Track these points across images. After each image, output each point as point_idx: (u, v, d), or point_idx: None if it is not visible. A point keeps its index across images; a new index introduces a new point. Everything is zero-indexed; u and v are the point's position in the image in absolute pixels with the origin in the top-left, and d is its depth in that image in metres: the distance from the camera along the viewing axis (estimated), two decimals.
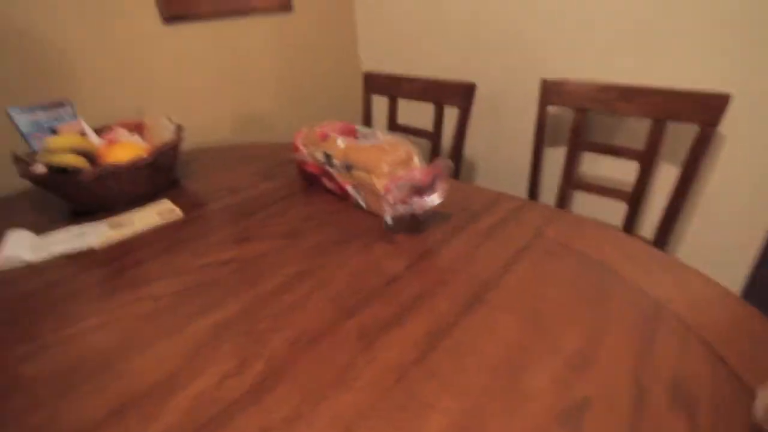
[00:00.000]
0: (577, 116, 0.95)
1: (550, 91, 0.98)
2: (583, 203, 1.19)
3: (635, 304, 0.45)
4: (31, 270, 0.57)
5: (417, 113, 1.21)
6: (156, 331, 0.44)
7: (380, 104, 1.23)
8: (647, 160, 0.90)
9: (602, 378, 0.37)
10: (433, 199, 0.56)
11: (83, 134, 0.82)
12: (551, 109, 1.09)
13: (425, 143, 1.17)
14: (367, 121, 1.23)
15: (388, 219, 0.56)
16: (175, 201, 0.73)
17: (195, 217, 0.68)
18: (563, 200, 1.03)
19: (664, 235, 0.90)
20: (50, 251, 0.61)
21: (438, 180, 0.57)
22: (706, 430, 0.33)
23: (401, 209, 0.56)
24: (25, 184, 0.84)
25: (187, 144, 1.12)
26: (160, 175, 0.74)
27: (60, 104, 0.80)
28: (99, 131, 0.84)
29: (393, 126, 1.17)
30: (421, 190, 0.57)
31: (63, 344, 0.44)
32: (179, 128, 0.80)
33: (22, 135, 0.73)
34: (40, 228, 0.66)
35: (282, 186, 0.77)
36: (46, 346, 0.44)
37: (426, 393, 0.36)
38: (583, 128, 0.95)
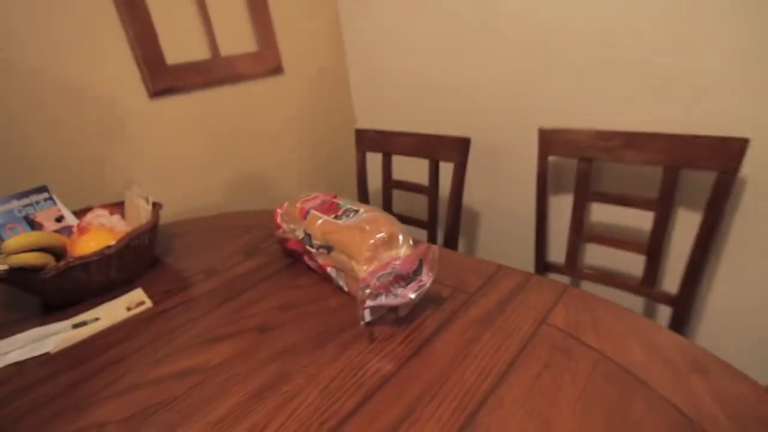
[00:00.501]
0: (581, 166, 0.89)
1: (550, 141, 0.92)
2: (597, 255, 1.10)
3: (666, 424, 0.36)
4: None
5: (414, 168, 1.16)
6: None
7: (376, 160, 1.19)
8: (662, 209, 0.82)
9: None
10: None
11: (60, 218, 0.79)
12: (553, 159, 1.04)
13: (423, 199, 1.11)
14: (362, 177, 1.18)
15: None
16: (149, 286, 0.69)
17: (165, 309, 0.63)
18: (574, 255, 0.95)
19: (689, 288, 0.81)
20: (5, 360, 0.55)
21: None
22: None
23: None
24: None
25: (178, 213, 1.08)
26: (133, 260, 0.70)
27: (36, 190, 0.78)
28: (79, 213, 0.81)
29: (388, 182, 1.12)
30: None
31: None
32: (156, 208, 0.76)
33: None
34: (6, 327, 0.62)
35: (264, 264, 0.72)
36: None
37: None
38: (589, 177, 0.89)
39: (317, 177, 1.44)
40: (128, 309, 0.63)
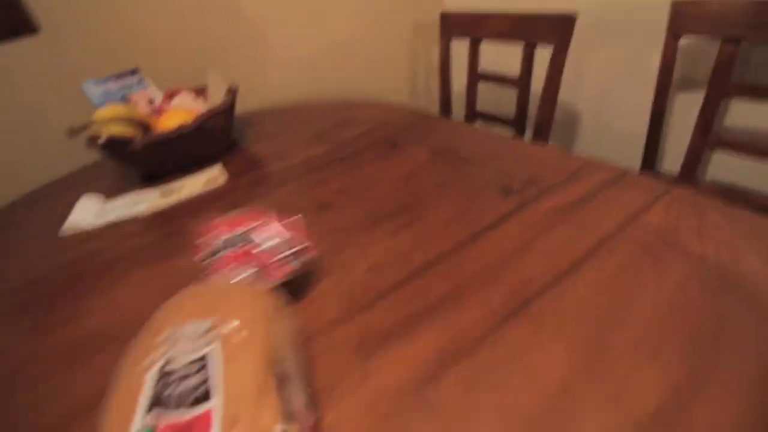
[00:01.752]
0: (725, 48, 0.69)
1: (685, 15, 0.73)
2: (724, 165, 0.91)
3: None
4: (85, 237, 0.59)
5: (503, 60, 1.02)
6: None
7: (461, 49, 1.06)
8: None
9: None
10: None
11: (152, 101, 0.84)
12: (685, 42, 0.83)
13: (512, 94, 0.99)
14: (446, 71, 1.08)
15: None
16: (226, 165, 0.72)
17: (239, 185, 0.66)
18: (694, 163, 0.79)
19: None
20: (107, 218, 0.63)
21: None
22: None
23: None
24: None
25: (260, 103, 1.10)
26: (211, 139, 0.73)
27: (130, 72, 0.82)
28: (168, 95, 0.85)
29: (473, 75, 1.01)
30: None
31: (97, 311, 0.44)
32: (232, 91, 0.77)
33: (96, 106, 0.77)
34: (114, 191, 0.70)
35: (331, 150, 0.70)
36: (83, 313, 0.44)
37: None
38: (732, 64, 0.70)
39: (396, 66, 1.36)
40: (207, 182, 0.67)
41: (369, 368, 0.32)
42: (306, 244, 0.39)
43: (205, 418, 0.21)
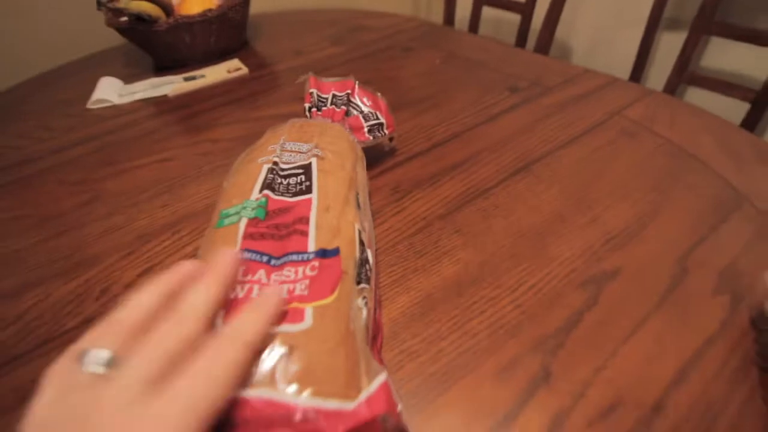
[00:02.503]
0: None
1: None
2: (695, 101, 1.00)
3: (712, 193, 0.39)
4: (116, 110, 0.63)
5: None
6: (211, 167, 0.48)
7: None
8: None
9: (641, 254, 0.34)
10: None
11: None
12: None
13: (511, 24, 1.03)
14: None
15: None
16: (243, 60, 0.75)
17: (260, 75, 0.69)
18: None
19: None
20: (132, 97, 0.66)
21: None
22: (743, 324, 0.29)
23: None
24: (119, 40, 0.90)
25: (262, 7, 1.10)
26: (229, 31, 0.75)
27: None
28: None
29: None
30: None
31: (139, 169, 0.50)
32: None
33: None
34: (127, 78, 0.72)
35: (347, 51, 0.74)
36: (125, 170, 0.50)
37: (446, 243, 0.36)
38: (717, 7, 0.77)
39: None
40: (228, 72, 0.70)
41: (404, 203, 0.41)
42: (387, 121, 0.43)
43: (306, 203, 0.28)
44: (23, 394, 0.29)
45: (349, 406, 0.18)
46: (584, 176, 0.42)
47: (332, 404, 0.18)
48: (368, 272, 0.26)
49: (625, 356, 0.28)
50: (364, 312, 0.23)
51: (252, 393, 0.17)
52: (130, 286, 0.36)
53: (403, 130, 0.50)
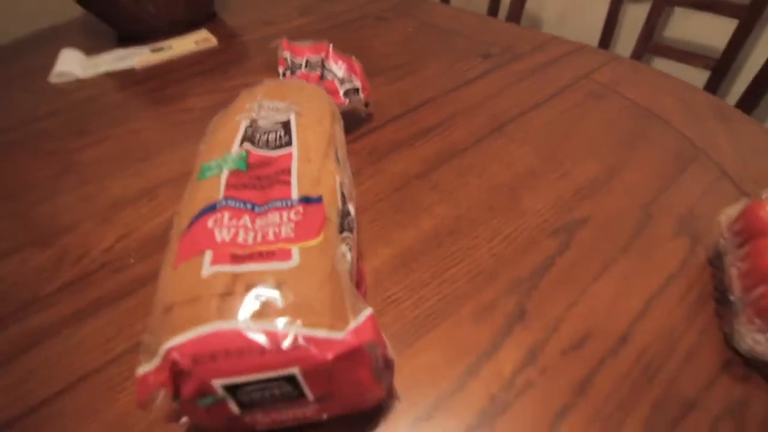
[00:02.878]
0: None
1: None
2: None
3: (672, 147, 0.41)
4: (80, 84, 0.61)
5: None
6: (185, 136, 0.48)
7: None
8: (748, 18, 0.75)
9: (609, 203, 0.36)
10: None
11: None
12: None
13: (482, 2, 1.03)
14: None
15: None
16: (211, 31, 0.73)
17: (229, 46, 0.68)
18: None
19: (748, 105, 0.79)
20: (97, 70, 0.64)
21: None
22: (701, 262, 0.32)
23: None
24: (78, 11, 0.86)
25: None
26: (195, 2, 0.73)
27: None
28: None
29: None
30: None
31: (110, 140, 0.48)
32: None
33: None
34: (89, 50, 0.69)
35: (317, 20, 0.73)
36: (96, 141, 0.48)
37: (423, 200, 0.37)
38: None
39: None
40: (196, 43, 0.68)
41: (381, 166, 0.41)
42: (363, 85, 0.44)
43: (287, 156, 0.28)
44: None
45: (337, 335, 0.19)
46: (554, 136, 0.43)
47: (321, 333, 0.19)
48: (350, 223, 0.27)
49: (595, 294, 0.30)
50: (348, 257, 0.24)
51: (242, 324, 0.18)
52: (107, 251, 0.36)
53: (377, 96, 0.50)
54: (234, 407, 0.19)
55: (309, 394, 0.19)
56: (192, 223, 0.23)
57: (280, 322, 0.18)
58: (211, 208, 0.23)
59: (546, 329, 0.28)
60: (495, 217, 0.35)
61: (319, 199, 0.25)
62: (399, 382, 0.26)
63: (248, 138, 0.28)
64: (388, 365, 0.22)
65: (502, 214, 0.36)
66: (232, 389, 0.18)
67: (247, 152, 0.27)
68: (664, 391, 0.25)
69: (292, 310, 0.19)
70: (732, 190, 0.36)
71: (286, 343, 0.18)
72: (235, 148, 0.28)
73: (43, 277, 0.34)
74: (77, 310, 0.32)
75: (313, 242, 0.22)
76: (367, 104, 0.45)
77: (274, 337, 0.18)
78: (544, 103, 0.48)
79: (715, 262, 0.31)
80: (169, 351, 0.18)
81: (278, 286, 0.19)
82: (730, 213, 0.31)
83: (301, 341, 0.18)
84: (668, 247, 0.33)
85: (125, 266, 0.35)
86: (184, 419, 0.21)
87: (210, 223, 0.22)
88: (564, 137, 0.43)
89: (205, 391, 0.18)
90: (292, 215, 0.23)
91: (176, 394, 0.18)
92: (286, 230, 0.22)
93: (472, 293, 0.31)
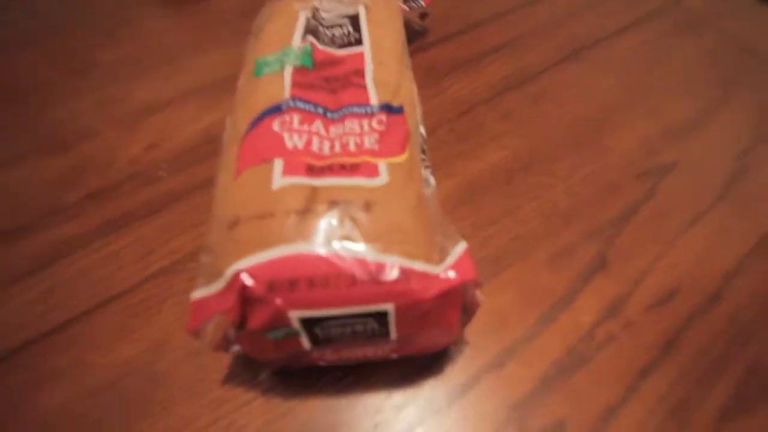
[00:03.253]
0: None
1: None
2: None
3: None
4: None
5: None
6: (213, 39, 0.42)
7: None
8: None
9: (700, 148, 0.32)
10: None
11: None
12: None
13: None
14: None
15: None
16: None
17: None
18: None
19: None
20: None
21: None
22: None
23: None
24: None
25: None
26: None
27: None
28: None
29: None
30: None
31: (126, 41, 0.43)
32: None
33: None
34: None
35: None
36: (122, 38, 0.43)
37: (491, 128, 0.33)
38: None
39: None
40: None
41: (442, 87, 0.36)
42: None
43: (358, 56, 0.23)
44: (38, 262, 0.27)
45: (436, 270, 0.16)
46: (641, 67, 0.38)
47: (419, 266, 0.15)
48: (424, 145, 0.23)
49: (684, 247, 0.27)
50: (432, 182, 0.20)
51: (329, 248, 0.15)
52: (135, 161, 0.32)
53: (435, 8, 0.44)
54: (306, 342, 0.17)
55: (393, 334, 0.17)
56: (253, 125, 0.19)
57: (375, 250, 0.15)
58: (276, 110, 0.19)
59: (629, 281, 0.25)
60: (573, 153, 0.31)
61: (401, 110, 0.20)
62: (468, 325, 0.23)
63: (311, 31, 0.24)
64: (473, 308, 0.19)
65: (582, 150, 0.31)
66: (309, 323, 0.15)
67: (312, 47, 0.22)
68: (758, 356, 0.23)
69: (386, 236, 0.16)
70: None
71: (384, 275, 0.15)
72: (297, 41, 0.23)
73: (64, 186, 0.30)
74: (105, 222, 0.29)
75: (398, 159, 0.18)
76: (425, 14, 0.39)
77: (368, 267, 0.15)
78: (628, 29, 0.41)
79: None
80: (237, 274, 0.15)
81: (367, 206, 0.16)
82: None
83: (399, 274, 0.15)
84: (765, 202, 0.29)
85: (155, 179, 0.31)
86: (236, 348, 0.18)
87: (276, 126, 0.18)
88: (652, 70, 0.37)
89: (278, 323, 0.15)
90: (375, 124, 0.19)
91: (242, 323, 0.16)
92: (370, 141, 0.18)
93: (547, 235, 0.27)
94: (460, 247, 0.17)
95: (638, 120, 0.33)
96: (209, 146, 0.33)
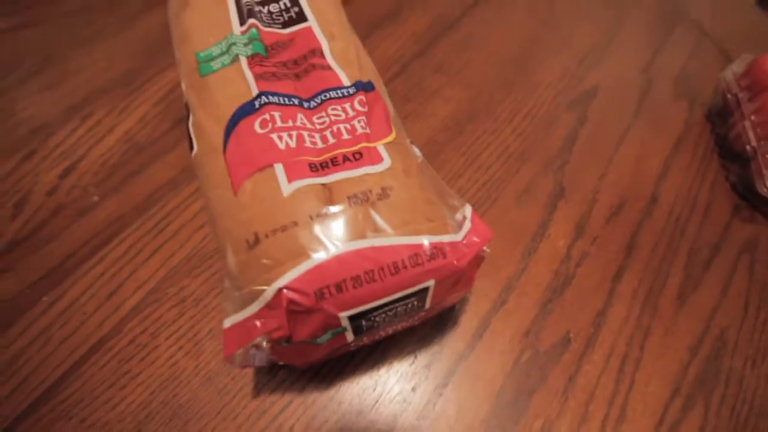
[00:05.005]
0: None
1: None
2: None
3: (658, 9, 0.40)
4: None
5: None
6: (95, 30, 0.36)
7: None
8: None
9: (612, 70, 0.35)
10: None
11: None
12: None
13: None
14: None
15: None
16: None
17: None
18: None
19: None
20: None
21: None
22: (701, 120, 0.33)
23: None
24: None
25: None
26: None
27: None
28: None
29: None
30: None
31: None
32: None
33: None
34: None
35: None
36: None
37: (431, 84, 0.33)
38: None
39: None
40: None
41: (371, 45, 0.35)
42: None
43: (308, 34, 0.21)
44: None
45: (459, 237, 0.17)
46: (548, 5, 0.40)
47: (447, 238, 0.16)
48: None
49: (620, 162, 0.31)
50: (417, 151, 0.20)
51: (364, 244, 0.15)
52: (54, 192, 0.28)
53: None
54: (350, 335, 0.17)
55: (428, 304, 0.18)
56: (230, 131, 0.17)
57: (405, 233, 0.15)
58: (249, 109, 0.18)
59: (586, 202, 0.29)
60: (510, 94, 0.33)
61: (372, 86, 0.20)
62: None
63: (248, 12, 0.21)
64: (480, 262, 0.20)
65: (516, 90, 0.33)
66: (356, 317, 0.16)
67: (258, 30, 0.21)
68: (694, 240, 0.28)
69: (410, 218, 0.16)
70: (713, 50, 0.38)
71: (421, 256, 0.15)
72: (237, 27, 0.21)
73: None
74: (47, 271, 0.25)
75: (390, 138, 0.18)
76: None
77: (405, 252, 0.15)
78: None
79: (716, 118, 0.33)
80: (279, 291, 0.14)
81: (383, 192, 0.16)
82: (735, 69, 0.32)
83: (434, 251, 0.15)
84: (671, 109, 0.34)
85: (89, 206, 0.27)
86: (263, 361, 0.18)
87: (257, 127, 0.17)
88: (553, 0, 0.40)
89: (329, 327, 0.15)
90: (357, 106, 0.18)
91: (289, 337, 0.15)
92: (361, 125, 0.18)
93: (509, 177, 0.29)
94: (468, 210, 0.18)
95: (556, 51, 0.36)
96: (138, 155, 0.29)
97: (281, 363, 0.20)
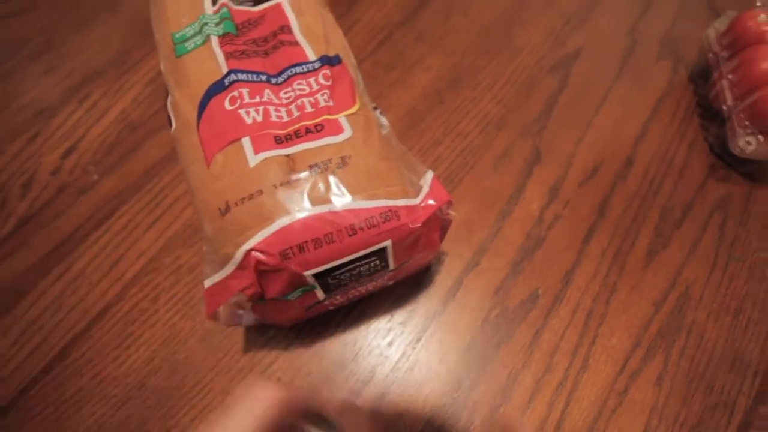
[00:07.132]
0: None
1: None
2: None
3: None
4: None
5: None
6: (89, 9, 0.37)
7: None
8: None
9: (597, 31, 0.35)
10: None
11: None
12: None
13: None
14: None
15: None
16: None
17: None
18: None
19: None
20: None
21: None
22: (683, 80, 0.33)
23: None
24: None
25: None
26: None
27: None
28: None
29: None
30: None
31: None
32: None
33: None
34: None
35: None
36: None
37: (412, 53, 0.34)
38: None
39: None
40: None
41: (353, 15, 0.36)
42: None
43: (278, 10, 0.22)
44: None
45: (416, 201, 0.18)
46: None
47: (403, 202, 0.17)
48: (361, 82, 0.24)
49: (598, 125, 0.31)
50: (384, 120, 0.22)
51: (323, 208, 0.16)
52: (57, 172, 0.30)
53: None
54: (320, 293, 0.19)
55: (392, 264, 0.19)
56: (202, 108, 0.19)
57: (362, 198, 0.17)
58: (220, 87, 0.19)
59: (562, 166, 0.30)
60: (492, 61, 0.34)
61: (339, 59, 0.21)
62: (444, 239, 0.26)
63: None
64: (448, 225, 0.22)
65: (498, 55, 0.34)
66: (322, 276, 0.17)
67: (229, 9, 0.22)
68: (667, 200, 0.29)
69: (367, 184, 0.17)
70: (703, 9, 0.37)
71: (376, 219, 0.17)
72: (209, 7, 0.22)
73: None
74: (55, 245, 0.27)
75: (353, 110, 0.19)
76: None
77: (362, 215, 0.17)
78: None
79: (698, 78, 0.33)
80: (248, 253, 0.16)
81: (343, 161, 0.17)
82: (717, 27, 0.31)
83: (389, 213, 0.17)
84: (654, 70, 0.34)
85: (89, 185, 0.29)
86: (249, 320, 0.20)
87: (227, 104, 0.18)
88: None
89: (296, 284, 0.17)
90: (321, 79, 0.20)
91: (261, 295, 0.17)
92: (324, 98, 0.19)
93: (487, 143, 0.30)
94: (429, 176, 0.19)
95: (539, 14, 0.36)
96: (133, 133, 0.31)
97: (268, 322, 0.22)
